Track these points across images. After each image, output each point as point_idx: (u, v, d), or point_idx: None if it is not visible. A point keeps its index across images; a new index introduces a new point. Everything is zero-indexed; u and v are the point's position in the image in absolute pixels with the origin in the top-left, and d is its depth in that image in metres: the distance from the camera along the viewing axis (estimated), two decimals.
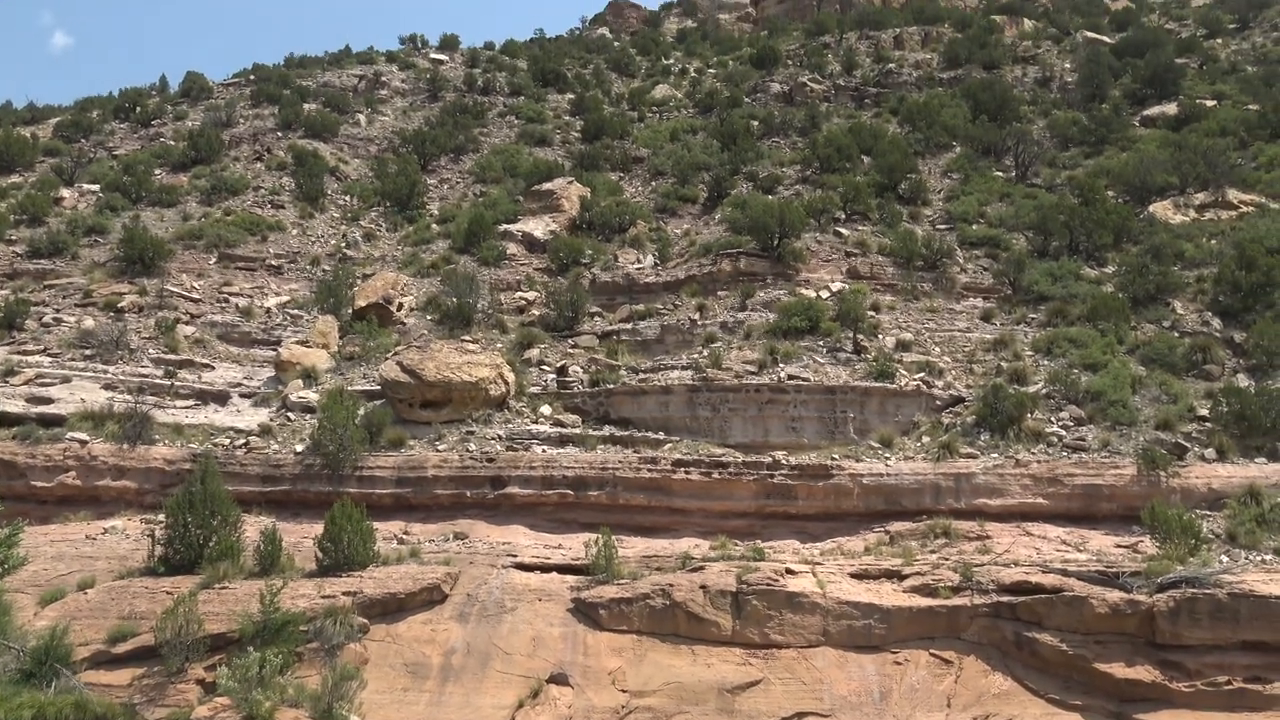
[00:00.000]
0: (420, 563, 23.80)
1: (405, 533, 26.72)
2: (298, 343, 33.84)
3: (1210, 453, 26.83)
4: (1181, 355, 31.17)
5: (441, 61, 72.66)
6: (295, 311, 37.24)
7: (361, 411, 29.11)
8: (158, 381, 31.30)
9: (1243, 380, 29.95)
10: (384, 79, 67.20)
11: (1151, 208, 41.86)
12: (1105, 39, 66.04)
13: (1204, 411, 28.28)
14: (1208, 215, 40.90)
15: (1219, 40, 66.07)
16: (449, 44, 77.99)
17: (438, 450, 28.56)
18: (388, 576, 22.90)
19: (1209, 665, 20.50)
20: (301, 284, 39.75)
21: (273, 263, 41.15)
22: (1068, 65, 62.65)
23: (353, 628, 21.28)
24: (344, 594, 22.14)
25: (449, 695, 21.13)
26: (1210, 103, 52.68)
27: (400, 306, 37.14)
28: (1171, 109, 52.67)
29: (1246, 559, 22.97)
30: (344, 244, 43.40)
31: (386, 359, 31.60)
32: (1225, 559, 22.93)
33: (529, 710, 20.72)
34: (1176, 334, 32.71)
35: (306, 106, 58.24)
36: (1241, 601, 20.61)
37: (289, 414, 30.58)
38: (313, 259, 41.79)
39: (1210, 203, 41.69)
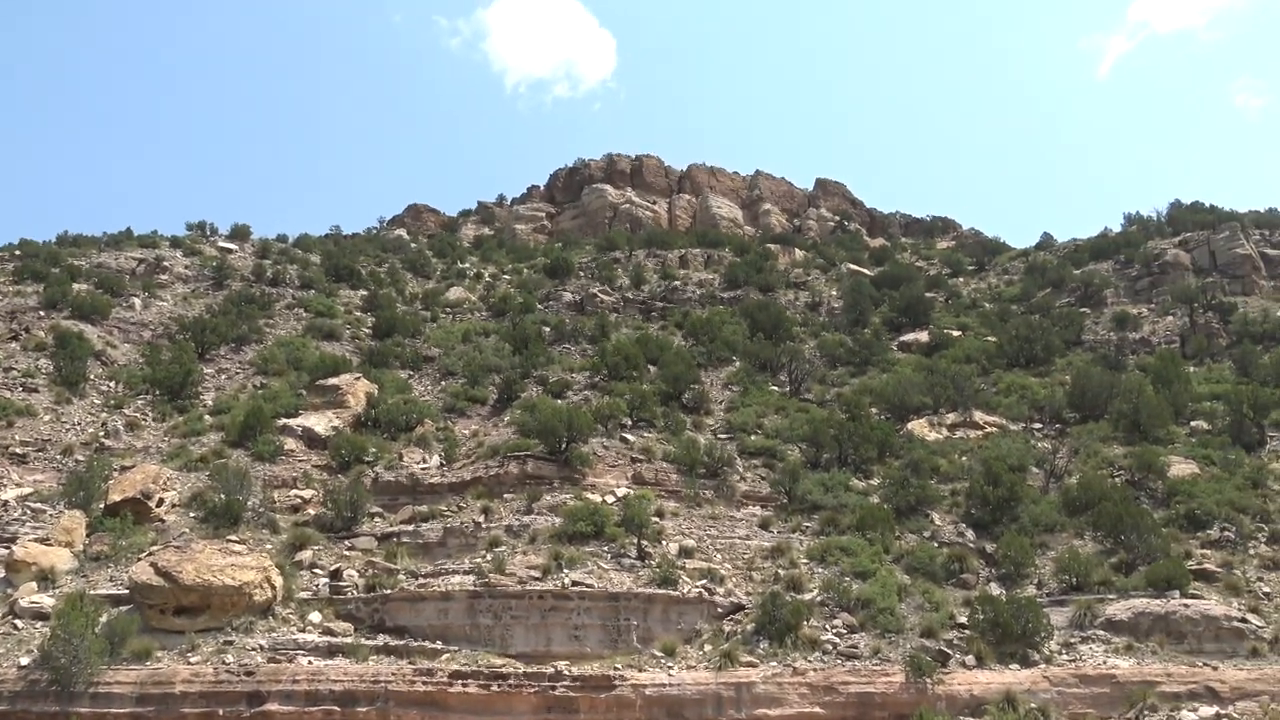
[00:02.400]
0: None
1: None
2: (36, 540, 30.65)
3: (970, 659, 28.13)
4: (941, 564, 33.06)
5: (230, 250, 71.26)
6: (38, 505, 33.85)
7: (104, 619, 26.35)
8: None
9: (994, 589, 31.94)
10: (166, 263, 65.02)
11: (910, 425, 45.31)
12: (866, 271, 72.94)
13: (963, 619, 29.82)
14: (958, 434, 44.63)
15: (961, 279, 74.36)
16: (239, 234, 76.85)
17: (189, 663, 26.02)
18: None
19: None
20: (49, 474, 36.43)
21: (17, 450, 37.67)
22: (834, 292, 68.53)
23: None
24: None
25: None
26: (956, 333, 58.64)
27: (160, 502, 34.53)
28: (924, 336, 58.19)
29: None
30: (103, 433, 40.41)
31: (139, 559, 29.02)
32: None
33: None
34: (936, 544, 34.79)
35: (76, 286, 55.26)
36: None
37: (16, 621, 27.26)
38: (65, 448, 38.57)
39: (960, 422, 45.64)
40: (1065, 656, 28.41)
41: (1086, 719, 26.06)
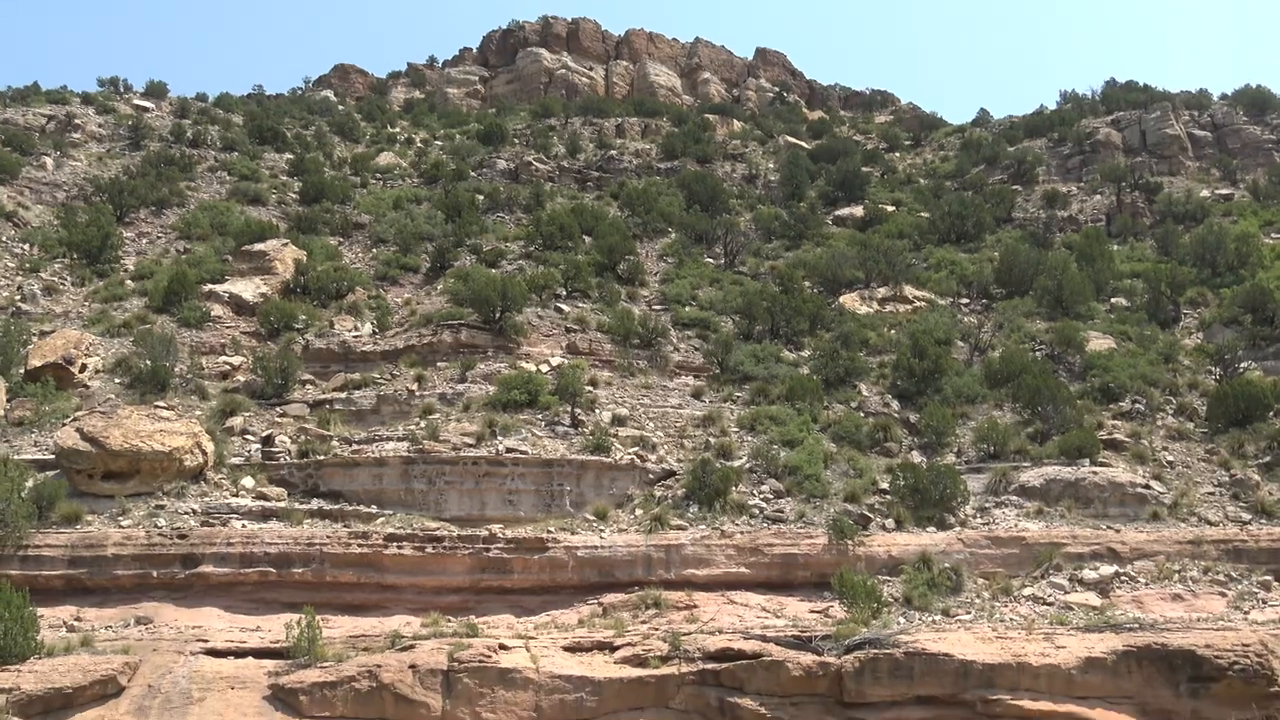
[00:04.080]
0: (93, 652, 21.42)
1: (77, 619, 23.97)
2: None
3: (890, 523, 29.36)
4: (866, 434, 34.09)
5: (146, 109, 68.05)
6: None
7: (30, 483, 26.05)
8: None
9: (916, 457, 33.13)
10: (78, 121, 61.94)
11: (842, 298, 45.94)
12: (804, 144, 72.47)
13: (885, 485, 30.97)
14: (888, 308, 45.42)
15: (897, 154, 74.37)
16: (156, 91, 73.28)
17: (121, 526, 25.98)
18: (52, 669, 20.41)
19: None
20: None
21: None
22: (771, 165, 68.12)
23: None
24: None
25: None
26: (890, 208, 58.95)
27: (83, 368, 33.82)
28: (859, 211, 58.43)
29: (920, 620, 25.16)
30: (19, 297, 39.11)
31: (64, 425, 28.57)
32: (902, 620, 25.01)
33: None
34: (862, 414, 35.78)
35: None
36: (916, 659, 22.49)
37: None
38: None
39: (890, 297, 46.38)
40: (980, 520, 29.80)
41: (996, 577, 27.50)
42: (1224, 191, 59.36)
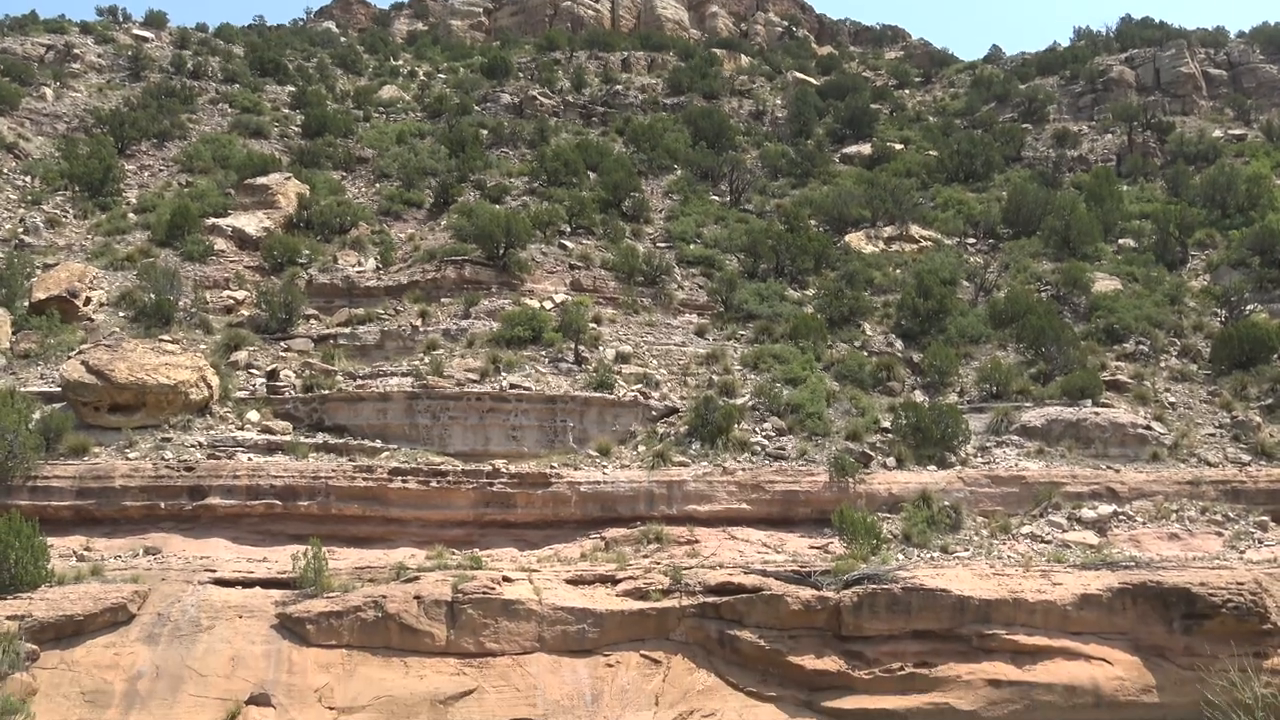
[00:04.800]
0: (103, 581, 21.75)
1: (87, 549, 24.30)
2: None
3: (891, 461, 29.54)
4: (869, 373, 34.14)
5: (146, 39, 67.11)
6: None
7: (37, 415, 26.24)
8: None
9: (919, 396, 33.22)
10: (77, 51, 61.15)
11: (847, 237, 45.67)
12: (812, 80, 71.45)
13: (887, 424, 31.11)
14: (894, 247, 45.17)
15: (907, 91, 73.33)
16: (155, 21, 72.20)
17: (128, 459, 26.22)
18: (63, 597, 20.74)
19: (885, 654, 22.49)
20: None
21: None
22: (779, 101, 67.26)
23: (19, 655, 19.11)
24: (8, 618, 19.83)
25: None
26: (898, 146, 58.29)
27: (88, 301, 33.84)
28: (866, 149, 57.79)
29: (918, 556, 25.46)
30: (21, 229, 39.00)
31: (69, 358, 28.67)
32: (901, 557, 25.30)
33: None
34: (866, 353, 35.80)
35: None
36: (913, 594, 22.79)
37: None
38: None
39: (896, 236, 46.09)
40: (980, 459, 29.98)
41: (995, 516, 27.76)
42: (1237, 132, 58.62)
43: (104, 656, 20.27)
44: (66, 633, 20.31)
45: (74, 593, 20.98)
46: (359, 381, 30.76)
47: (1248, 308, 38.52)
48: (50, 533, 22.87)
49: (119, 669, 20.12)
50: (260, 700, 20.08)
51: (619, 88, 66.71)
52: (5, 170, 43.72)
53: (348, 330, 34.24)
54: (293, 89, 61.35)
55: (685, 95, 65.98)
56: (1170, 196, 49.94)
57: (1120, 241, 46.22)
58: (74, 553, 23.88)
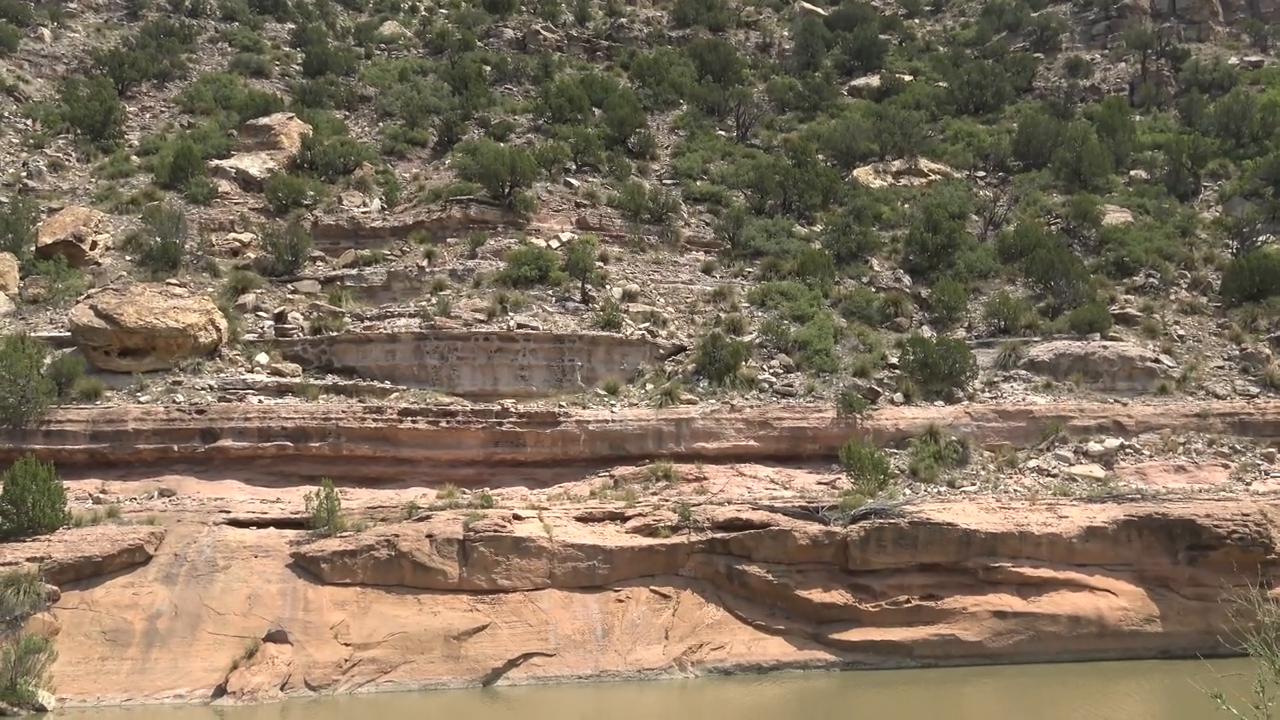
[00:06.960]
0: (120, 523, 22.09)
1: (102, 491, 24.64)
2: None
3: (898, 397, 29.61)
4: (877, 309, 34.05)
5: None
6: None
7: (48, 360, 26.40)
8: None
9: (926, 332, 33.16)
10: None
11: (855, 172, 45.19)
12: (819, 10, 70.04)
13: (894, 360, 31.11)
14: (903, 181, 44.70)
15: (917, 20, 71.89)
16: None
17: (140, 402, 26.44)
18: (81, 539, 21.11)
19: (892, 586, 22.83)
20: None
21: None
22: (786, 33, 66.05)
23: (40, 596, 19.55)
24: (29, 560, 20.22)
25: (154, 661, 19.90)
26: (908, 78, 57.30)
27: (94, 245, 33.81)
28: (875, 81, 56.85)
29: (925, 491, 25.64)
30: (25, 173, 38.84)
31: (78, 302, 28.74)
32: (908, 491, 25.49)
33: (244, 671, 19.89)
34: (873, 289, 35.66)
35: None
36: (920, 528, 23.03)
37: None
38: None
39: (905, 170, 45.58)
40: (987, 394, 30.03)
41: (1002, 450, 27.88)
42: (1253, 59, 57.46)
43: (123, 596, 20.67)
44: (86, 574, 20.69)
45: (92, 534, 21.33)
46: (367, 323, 30.81)
47: (1260, 239, 38.18)
48: (66, 476, 23.17)
49: (138, 608, 20.53)
50: (278, 637, 20.50)
51: (623, 20, 65.54)
52: (6, 114, 43.38)
53: (354, 271, 34.18)
54: (293, 26, 60.44)
55: (691, 27, 64.82)
56: (1184, 126, 49.18)
57: (1132, 173, 45.65)
58: (90, 495, 24.20)
